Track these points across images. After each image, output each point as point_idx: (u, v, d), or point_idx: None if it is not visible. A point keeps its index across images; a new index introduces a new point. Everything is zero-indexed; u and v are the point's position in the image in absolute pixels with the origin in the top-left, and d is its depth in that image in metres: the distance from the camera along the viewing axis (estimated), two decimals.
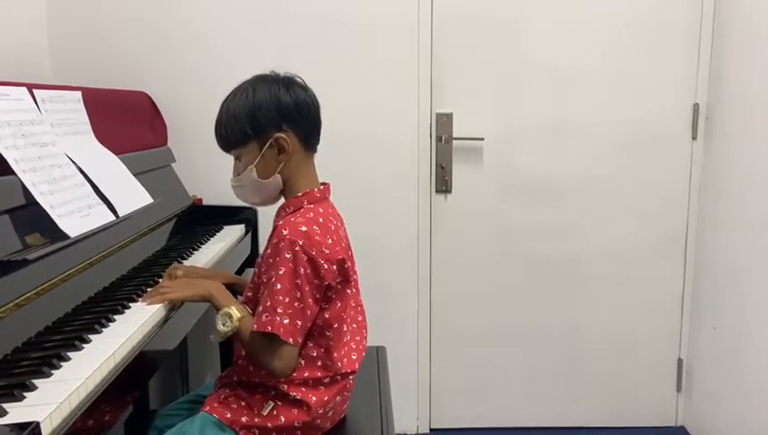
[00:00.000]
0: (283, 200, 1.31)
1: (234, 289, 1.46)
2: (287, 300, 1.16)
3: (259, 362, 1.22)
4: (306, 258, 1.16)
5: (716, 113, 2.27)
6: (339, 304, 1.25)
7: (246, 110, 1.24)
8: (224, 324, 1.20)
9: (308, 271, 1.17)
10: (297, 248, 1.15)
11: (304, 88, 1.28)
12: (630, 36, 2.28)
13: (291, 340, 1.17)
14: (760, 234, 2.03)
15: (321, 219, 1.23)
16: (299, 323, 1.18)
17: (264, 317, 1.16)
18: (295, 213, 1.24)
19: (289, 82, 1.26)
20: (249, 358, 1.27)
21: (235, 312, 1.20)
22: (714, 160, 2.30)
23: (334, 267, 1.21)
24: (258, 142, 1.24)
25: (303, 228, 1.18)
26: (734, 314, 2.17)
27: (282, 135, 1.23)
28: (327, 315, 1.23)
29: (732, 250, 2.19)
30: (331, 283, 1.21)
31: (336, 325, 1.25)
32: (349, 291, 1.27)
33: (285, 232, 1.17)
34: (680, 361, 2.47)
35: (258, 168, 1.25)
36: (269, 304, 1.16)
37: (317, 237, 1.18)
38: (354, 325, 1.35)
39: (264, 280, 1.20)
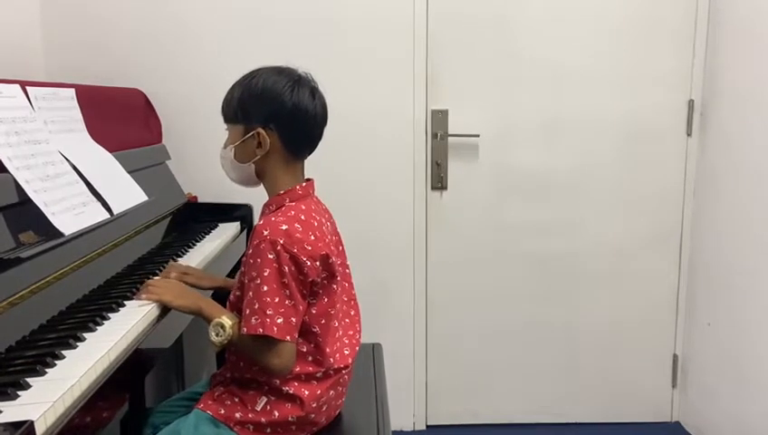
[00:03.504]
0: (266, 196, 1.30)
1: (226, 293, 1.47)
2: (277, 300, 1.16)
3: (258, 363, 1.22)
4: (288, 256, 1.16)
5: (711, 109, 2.28)
6: (325, 300, 1.25)
7: (245, 94, 1.24)
8: (217, 335, 1.19)
9: (292, 268, 1.17)
10: (279, 247, 1.15)
11: (314, 95, 1.25)
12: (625, 33, 2.28)
13: (288, 338, 1.17)
14: (755, 229, 2.04)
15: (302, 216, 1.22)
16: (293, 320, 1.18)
17: (253, 320, 1.16)
18: (276, 212, 1.24)
19: (301, 84, 1.24)
20: (240, 354, 1.27)
21: (227, 320, 1.20)
22: (708, 156, 2.30)
23: (317, 263, 1.20)
24: (244, 128, 1.25)
25: (284, 227, 1.18)
26: (729, 309, 2.18)
27: (263, 132, 1.23)
28: (314, 311, 1.23)
29: (726, 246, 2.19)
30: (316, 279, 1.21)
31: (324, 321, 1.25)
32: (336, 286, 1.27)
33: (266, 232, 1.17)
34: (675, 356, 2.48)
35: (237, 150, 1.27)
36: (257, 306, 1.16)
37: (298, 235, 1.18)
38: (346, 320, 1.35)
39: (246, 280, 1.19)
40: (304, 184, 1.29)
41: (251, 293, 1.17)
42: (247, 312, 1.17)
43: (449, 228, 2.36)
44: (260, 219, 1.26)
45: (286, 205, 1.25)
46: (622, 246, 2.40)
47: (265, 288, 1.15)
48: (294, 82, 1.23)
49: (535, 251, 2.39)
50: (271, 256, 1.15)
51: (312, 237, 1.21)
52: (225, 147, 1.29)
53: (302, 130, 1.25)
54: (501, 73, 2.29)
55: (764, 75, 1.99)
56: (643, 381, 2.49)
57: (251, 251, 1.19)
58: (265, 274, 1.15)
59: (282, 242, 1.16)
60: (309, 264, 1.18)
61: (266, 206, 1.29)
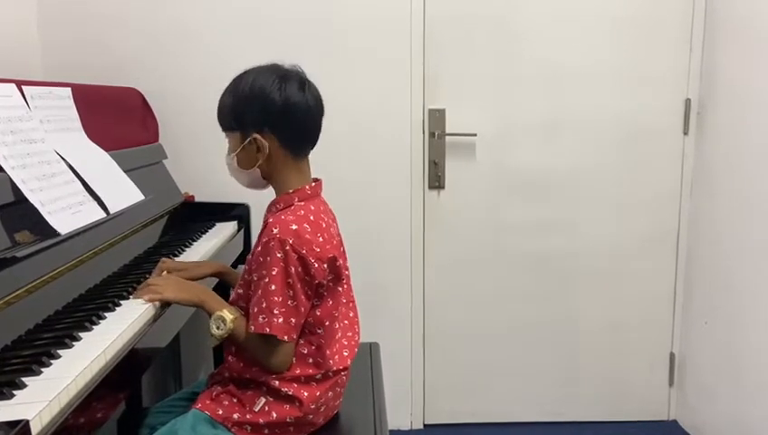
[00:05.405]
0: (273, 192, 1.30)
1: (224, 279, 1.47)
2: (280, 299, 1.16)
3: (257, 360, 1.22)
4: (297, 257, 1.16)
5: (708, 108, 2.28)
6: (330, 302, 1.25)
7: (235, 101, 1.23)
8: (218, 328, 1.20)
9: (299, 269, 1.16)
10: (288, 247, 1.15)
11: (303, 88, 1.22)
12: (623, 32, 2.28)
13: (286, 337, 1.17)
14: (751, 228, 2.04)
15: (311, 217, 1.22)
16: (293, 320, 1.18)
17: (260, 319, 1.16)
18: (286, 210, 1.23)
19: (288, 79, 1.21)
20: (239, 354, 1.26)
21: (228, 314, 1.20)
22: (705, 155, 2.30)
23: (325, 265, 1.20)
24: (240, 134, 1.24)
25: (294, 227, 1.17)
26: (726, 308, 2.18)
27: (260, 138, 1.21)
28: (318, 313, 1.23)
29: (723, 245, 2.19)
30: (322, 281, 1.21)
31: (327, 323, 1.25)
32: (340, 288, 1.27)
33: (275, 230, 1.16)
34: (672, 355, 2.48)
35: (238, 157, 1.25)
36: (265, 305, 1.16)
37: (307, 236, 1.18)
38: (346, 322, 1.35)
39: (255, 278, 1.19)
40: (313, 184, 1.28)
41: (259, 291, 1.17)
42: (255, 310, 1.17)
43: (446, 228, 2.36)
44: (267, 217, 1.25)
45: (295, 204, 1.24)
46: (619, 245, 2.40)
47: (273, 287, 1.15)
48: (281, 78, 1.20)
49: (532, 250, 2.39)
50: (279, 255, 1.15)
51: (321, 239, 1.20)
52: (229, 154, 1.28)
53: (297, 127, 1.23)
54: (498, 73, 2.29)
55: (761, 74, 1.99)
56: (640, 379, 2.49)
57: (260, 249, 1.19)
58: (273, 272, 1.15)
59: (291, 242, 1.15)
60: (317, 265, 1.18)
61: (273, 204, 1.28)
